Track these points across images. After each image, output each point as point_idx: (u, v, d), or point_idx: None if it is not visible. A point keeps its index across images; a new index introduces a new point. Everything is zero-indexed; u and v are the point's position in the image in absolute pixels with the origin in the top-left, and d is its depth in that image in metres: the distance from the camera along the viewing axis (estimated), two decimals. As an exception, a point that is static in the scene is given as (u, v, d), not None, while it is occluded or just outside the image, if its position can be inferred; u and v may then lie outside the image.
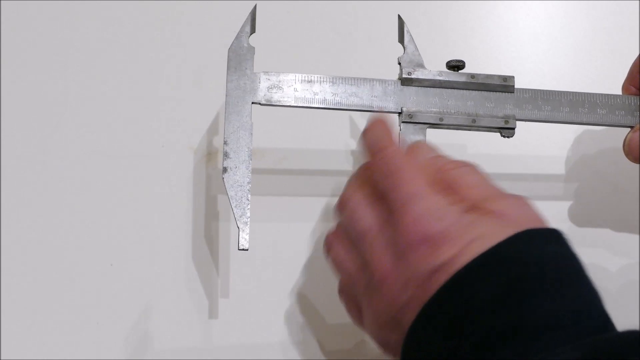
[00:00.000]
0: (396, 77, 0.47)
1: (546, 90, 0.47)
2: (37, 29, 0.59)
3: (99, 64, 0.58)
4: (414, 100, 0.46)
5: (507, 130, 0.46)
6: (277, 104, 0.46)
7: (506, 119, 0.46)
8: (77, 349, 0.49)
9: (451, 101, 0.46)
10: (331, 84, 0.46)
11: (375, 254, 0.38)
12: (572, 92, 0.47)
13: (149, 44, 0.58)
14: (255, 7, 0.48)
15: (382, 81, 0.46)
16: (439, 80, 0.46)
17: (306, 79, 0.46)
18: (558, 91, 0.47)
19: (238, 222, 0.43)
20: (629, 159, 0.47)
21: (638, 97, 0.48)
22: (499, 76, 0.47)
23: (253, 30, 0.47)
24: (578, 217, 0.54)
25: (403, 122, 0.46)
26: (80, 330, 0.50)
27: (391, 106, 0.46)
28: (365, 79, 0.46)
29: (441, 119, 0.46)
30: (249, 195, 0.44)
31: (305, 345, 0.50)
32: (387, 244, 0.38)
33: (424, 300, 0.35)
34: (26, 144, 0.55)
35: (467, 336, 0.34)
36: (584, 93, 0.47)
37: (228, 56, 0.46)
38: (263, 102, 0.46)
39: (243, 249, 0.43)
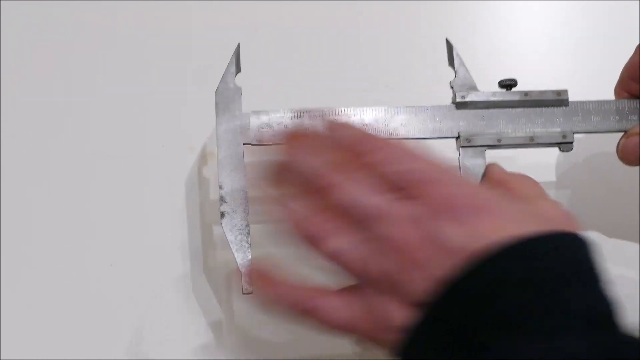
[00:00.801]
0: (385, 107, 0.46)
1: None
2: (37, 28, 0.59)
3: (99, 64, 0.58)
4: (469, 124, 0.46)
5: (565, 145, 0.46)
6: (269, 142, 0.45)
7: (564, 133, 0.46)
8: (76, 349, 0.49)
9: (506, 121, 0.46)
10: (322, 118, 0.45)
11: (397, 229, 0.37)
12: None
13: (149, 43, 0.59)
14: (238, 46, 0.47)
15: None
16: (493, 101, 0.46)
17: (296, 115, 0.45)
18: (608, 100, 0.48)
19: (240, 267, 0.43)
20: (623, 162, 0.48)
21: (630, 101, 0.48)
22: (553, 91, 0.47)
23: (238, 70, 0.47)
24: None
25: (462, 146, 0.46)
26: (80, 331, 0.50)
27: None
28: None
29: (499, 140, 0.46)
30: (249, 238, 0.43)
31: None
32: (413, 216, 0.37)
33: (455, 268, 0.35)
34: (26, 143, 0.55)
35: (490, 309, 0.34)
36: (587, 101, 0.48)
37: (216, 99, 0.46)
38: (254, 142, 0.45)
39: (247, 293, 0.42)
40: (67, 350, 0.49)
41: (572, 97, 0.48)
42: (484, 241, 0.35)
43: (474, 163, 0.45)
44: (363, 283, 0.39)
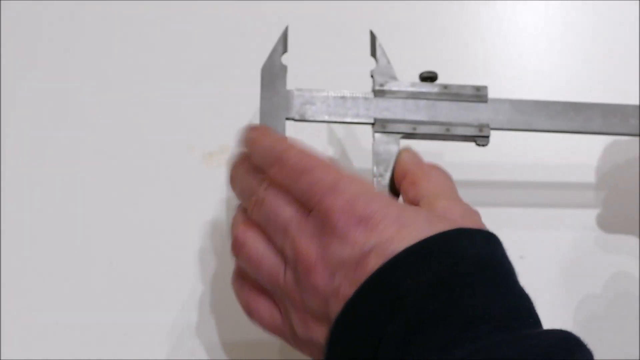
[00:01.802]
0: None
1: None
2: (37, 28, 0.59)
3: (98, 64, 0.58)
4: (387, 111, 0.46)
5: (481, 139, 0.46)
6: (311, 119, 0.46)
7: (480, 127, 0.46)
8: (76, 349, 0.49)
9: (424, 111, 0.46)
10: (364, 99, 0.46)
11: (300, 243, 0.38)
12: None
13: (149, 43, 0.59)
14: (287, 28, 0.47)
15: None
16: (412, 91, 0.46)
17: (339, 94, 0.46)
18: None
19: None
20: None
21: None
22: (472, 86, 0.47)
23: (285, 50, 0.47)
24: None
25: (376, 132, 0.46)
26: (80, 330, 0.50)
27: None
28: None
29: (415, 129, 0.46)
30: None
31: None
32: (313, 233, 0.38)
33: (356, 284, 0.35)
34: (26, 143, 0.55)
35: (397, 320, 0.34)
36: (587, 103, 0.47)
37: (261, 75, 0.46)
38: (297, 117, 0.45)
39: None
40: (66, 349, 0.49)
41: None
42: (388, 249, 0.35)
43: (387, 149, 0.45)
44: (277, 294, 0.40)
